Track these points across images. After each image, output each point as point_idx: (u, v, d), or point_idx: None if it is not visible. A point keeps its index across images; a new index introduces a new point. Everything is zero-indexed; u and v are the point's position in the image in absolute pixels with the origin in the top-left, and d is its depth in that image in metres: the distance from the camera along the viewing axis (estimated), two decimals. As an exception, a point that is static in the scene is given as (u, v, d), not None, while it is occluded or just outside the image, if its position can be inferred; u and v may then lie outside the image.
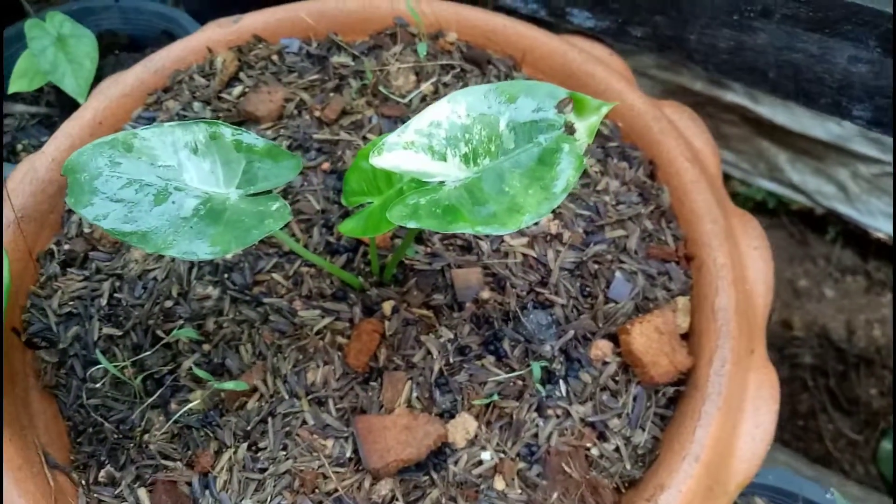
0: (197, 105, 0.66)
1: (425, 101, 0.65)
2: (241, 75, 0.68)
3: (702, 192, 0.54)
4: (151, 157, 0.44)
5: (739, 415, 0.46)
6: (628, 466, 0.47)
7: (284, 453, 0.48)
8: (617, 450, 0.47)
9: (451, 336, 0.52)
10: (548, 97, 0.38)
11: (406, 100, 0.65)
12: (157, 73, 0.68)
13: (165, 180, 0.43)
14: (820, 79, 0.58)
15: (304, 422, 0.49)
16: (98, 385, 0.53)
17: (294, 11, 0.71)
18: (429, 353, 0.51)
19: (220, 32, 0.70)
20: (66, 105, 0.92)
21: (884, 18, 0.54)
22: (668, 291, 0.53)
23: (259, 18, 0.70)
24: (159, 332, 0.54)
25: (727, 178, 1.27)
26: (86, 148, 0.43)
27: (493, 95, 0.39)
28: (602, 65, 0.63)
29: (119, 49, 1.04)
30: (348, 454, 0.48)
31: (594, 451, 0.47)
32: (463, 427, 0.48)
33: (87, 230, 0.60)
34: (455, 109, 0.39)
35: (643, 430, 0.48)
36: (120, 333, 0.54)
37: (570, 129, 0.38)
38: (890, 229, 1.13)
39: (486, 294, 0.53)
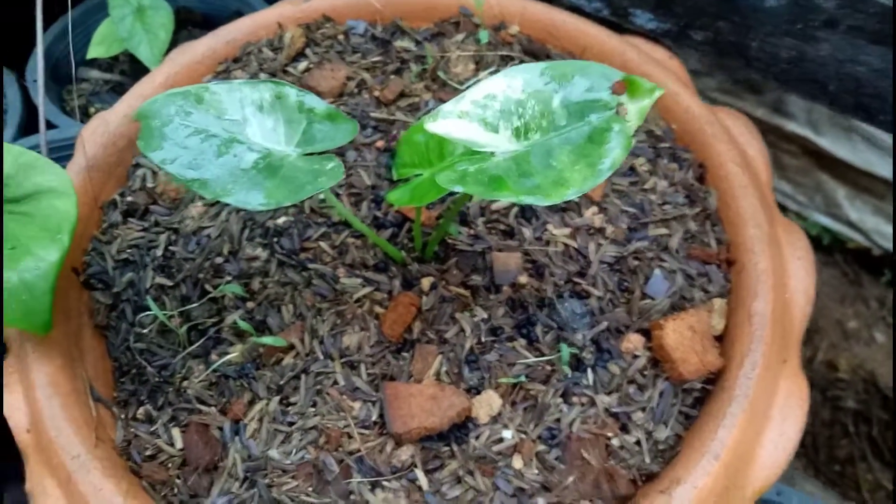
0: (263, 76, 0.68)
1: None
2: (308, 51, 0.70)
3: (749, 197, 0.54)
4: (219, 111, 0.46)
5: (765, 421, 0.46)
6: (647, 460, 0.47)
7: (313, 410, 0.50)
8: (638, 443, 0.47)
9: (486, 316, 0.52)
10: (602, 78, 0.39)
11: (463, 87, 0.66)
12: (229, 44, 0.71)
13: (230, 133, 0.46)
14: (881, 94, 0.57)
15: (336, 382, 0.50)
16: (145, 330, 0.55)
17: (364, -5, 0.73)
18: (462, 330, 0.52)
19: (291, 9, 0.72)
20: (138, 74, 0.97)
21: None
22: (705, 293, 0.53)
23: (330, -1, 0.73)
24: (207, 287, 0.56)
25: (782, 209, 1.24)
26: (159, 96, 0.46)
27: (548, 73, 0.40)
28: (660, 66, 0.63)
29: (193, 25, 1.08)
30: (374, 418, 0.49)
31: (615, 442, 0.47)
32: (487, 403, 0.48)
33: (150, 184, 0.63)
34: (511, 84, 0.40)
35: (666, 425, 0.48)
36: (171, 284, 0.57)
37: (621, 111, 0.38)
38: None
39: (523, 279, 0.54)
